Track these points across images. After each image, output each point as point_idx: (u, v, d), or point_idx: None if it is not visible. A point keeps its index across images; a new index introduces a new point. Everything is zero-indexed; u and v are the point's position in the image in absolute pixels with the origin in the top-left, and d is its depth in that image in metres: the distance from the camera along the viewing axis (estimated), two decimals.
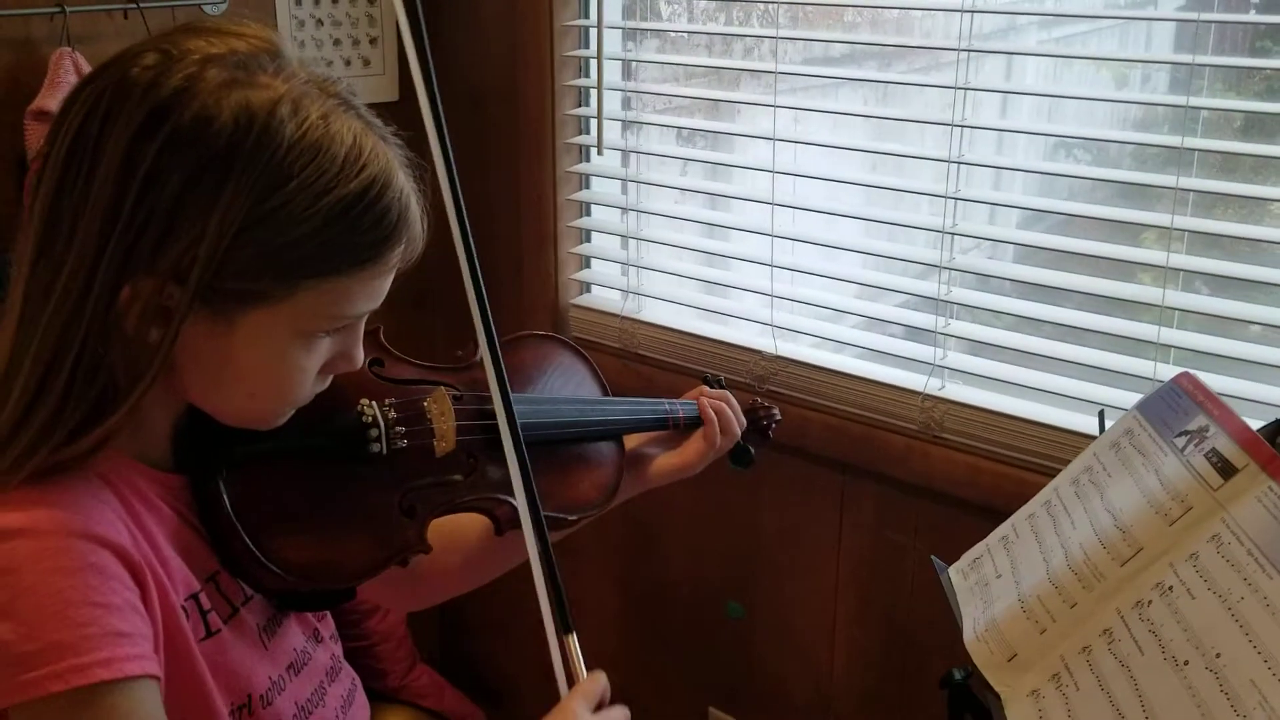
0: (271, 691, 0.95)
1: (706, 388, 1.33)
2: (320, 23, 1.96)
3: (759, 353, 1.79)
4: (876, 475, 1.69)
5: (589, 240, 2.06)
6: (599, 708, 0.93)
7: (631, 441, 1.26)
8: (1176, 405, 1.06)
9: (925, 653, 1.70)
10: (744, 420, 1.29)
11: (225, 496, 0.91)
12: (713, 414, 1.25)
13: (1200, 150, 1.37)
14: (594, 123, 1.88)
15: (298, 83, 0.84)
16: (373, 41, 2.02)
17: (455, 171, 0.94)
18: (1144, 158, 1.65)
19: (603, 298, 2.04)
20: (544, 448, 1.14)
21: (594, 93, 1.87)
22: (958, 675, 1.11)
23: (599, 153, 1.92)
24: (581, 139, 1.97)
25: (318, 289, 0.85)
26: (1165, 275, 1.41)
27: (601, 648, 2.15)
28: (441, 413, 1.04)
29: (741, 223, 1.85)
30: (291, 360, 0.88)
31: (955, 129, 1.54)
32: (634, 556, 2.07)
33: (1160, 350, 1.43)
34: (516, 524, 1.00)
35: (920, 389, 1.62)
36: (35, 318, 0.82)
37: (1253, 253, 1.40)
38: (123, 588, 0.80)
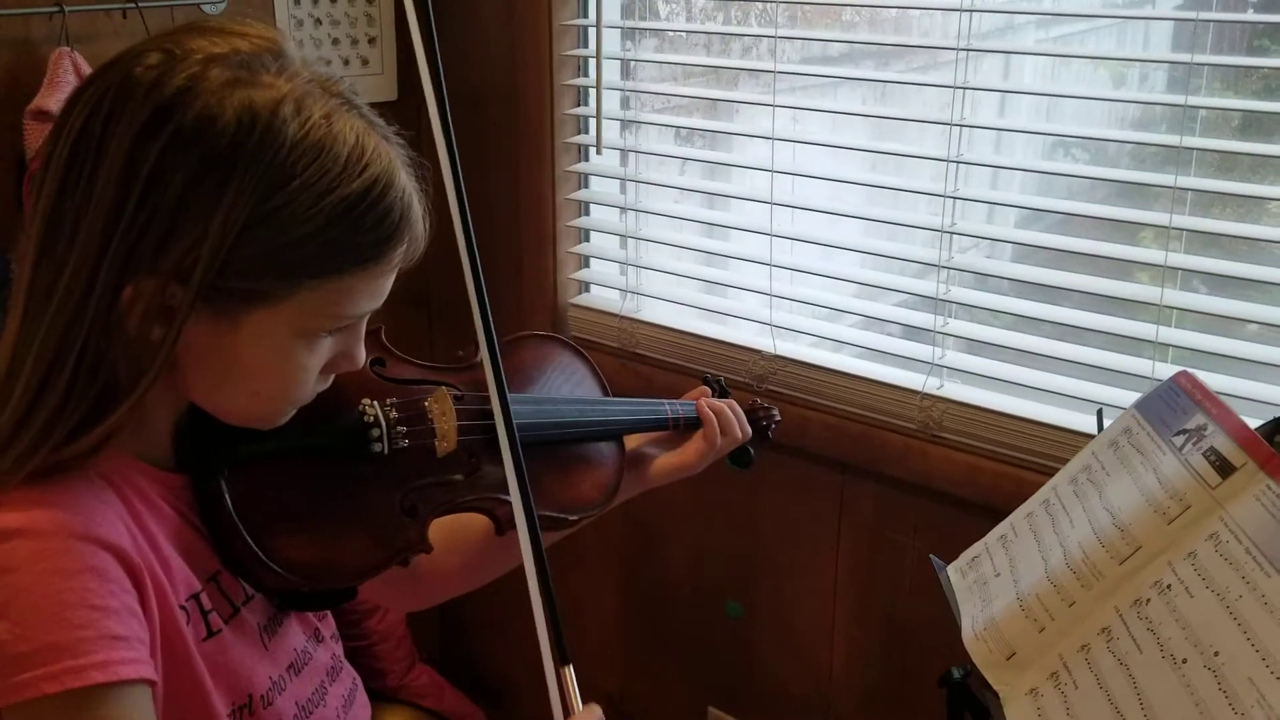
0: (272, 691, 0.95)
1: (707, 388, 1.33)
2: (319, 22, 1.96)
3: (758, 352, 1.79)
4: (875, 474, 1.69)
5: (588, 240, 2.06)
6: None
7: (632, 441, 1.26)
8: (1175, 404, 1.07)
9: (924, 651, 1.71)
10: (748, 428, 1.29)
11: (227, 496, 0.91)
12: (711, 414, 1.25)
13: (1198, 149, 1.37)
14: (593, 122, 1.88)
15: (300, 82, 0.84)
16: (371, 41, 2.02)
17: (460, 172, 0.94)
18: (1142, 157, 1.65)
19: (602, 297, 2.04)
20: (544, 448, 1.14)
21: (593, 92, 1.87)
22: (957, 674, 1.11)
23: (598, 152, 1.92)
24: (580, 138, 1.97)
25: (320, 288, 0.85)
26: (1163, 274, 1.41)
27: (601, 648, 2.15)
28: (443, 413, 1.04)
29: (740, 222, 1.85)
30: (294, 359, 0.88)
31: (954, 128, 1.54)
32: (634, 556, 2.07)
33: (1158, 349, 1.44)
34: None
35: (919, 388, 1.63)
36: (38, 318, 0.82)
37: (1251, 252, 1.41)
38: (121, 591, 0.80)
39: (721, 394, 1.33)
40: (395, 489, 1.00)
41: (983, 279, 1.63)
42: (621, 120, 1.92)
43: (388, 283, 0.90)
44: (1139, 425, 1.09)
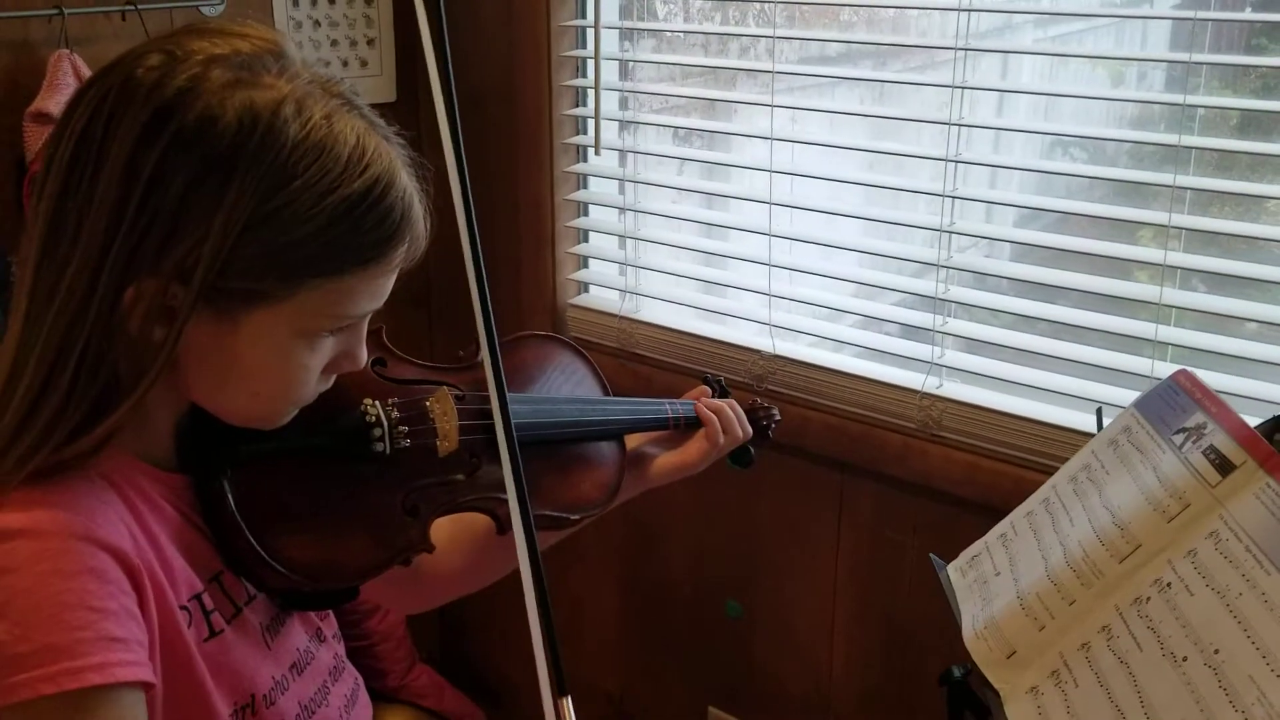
0: (275, 691, 0.95)
1: (707, 388, 1.33)
2: (318, 24, 1.96)
3: (757, 352, 1.79)
4: (875, 474, 1.69)
5: (587, 240, 2.06)
6: None
7: (632, 441, 1.26)
8: (1174, 403, 1.07)
9: (924, 651, 1.71)
10: (748, 428, 1.29)
11: (230, 496, 0.91)
12: (711, 414, 1.25)
13: (1197, 148, 1.38)
14: (591, 123, 1.89)
15: (301, 83, 0.84)
16: (370, 43, 2.02)
17: (466, 174, 0.94)
18: (1140, 156, 1.65)
19: (601, 298, 2.04)
20: (545, 447, 1.14)
21: (591, 93, 1.87)
22: (957, 673, 1.11)
23: (596, 153, 1.92)
24: (579, 139, 1.97)
25: (321, 288, 0.85)
26: (1162, 273, 1.41)
27: (601, 647, 2.15)
28: (444, 412, 1.05)
29: (739, 222, 1.85)
30: (295, 359, 0.88)
31: (952, 128, 1.54)
32: (634, 556, 2.08)
33: (1158, 348, 1.44)
34: None
35: (918, 387, 1.63)
36: (40, 318, 0.82)
37: (1249, 250, 1.41)
38: (120, 593, 0.80)
39: (721, 394, 1.33)
40: (397, 489, 1.00)
41: (981, 278, 1.63)
42: (620, 121, 1.92)
43: (389, 283, 0.90)
44: (1138, 424, 1.10)
